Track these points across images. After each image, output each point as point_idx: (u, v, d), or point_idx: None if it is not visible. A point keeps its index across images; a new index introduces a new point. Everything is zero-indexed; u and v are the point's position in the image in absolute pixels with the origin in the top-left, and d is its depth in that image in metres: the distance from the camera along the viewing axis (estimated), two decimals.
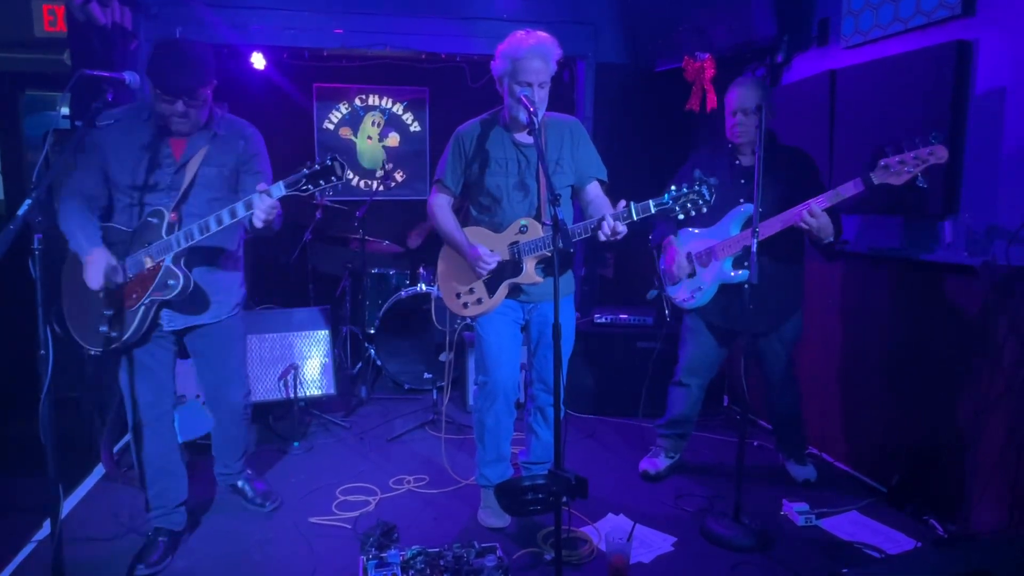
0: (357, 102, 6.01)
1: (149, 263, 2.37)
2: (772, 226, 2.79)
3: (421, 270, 4.86)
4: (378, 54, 4.77)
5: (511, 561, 2.58)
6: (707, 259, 3.04)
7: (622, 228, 2.42)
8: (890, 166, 2.54)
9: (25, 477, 3.12)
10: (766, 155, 2.83)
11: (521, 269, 2.70)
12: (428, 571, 2.40)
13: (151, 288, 2.38)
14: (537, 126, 2.37)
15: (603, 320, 4.29)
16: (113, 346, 2.42)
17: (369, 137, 6.07)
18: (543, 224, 2.67)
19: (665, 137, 4.71)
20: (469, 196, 2.85)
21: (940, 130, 2.69)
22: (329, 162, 2.22)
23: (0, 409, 3.91)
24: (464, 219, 2.85)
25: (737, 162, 3.06)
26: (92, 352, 2.44)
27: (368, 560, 2.48)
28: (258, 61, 4.97)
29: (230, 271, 2.66)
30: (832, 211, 2.75)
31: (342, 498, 3.14)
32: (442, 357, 4.10)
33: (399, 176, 6.12)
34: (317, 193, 2.26)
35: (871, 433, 3.32)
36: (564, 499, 2.21)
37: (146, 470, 2.62)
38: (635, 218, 2.42)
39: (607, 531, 2.60)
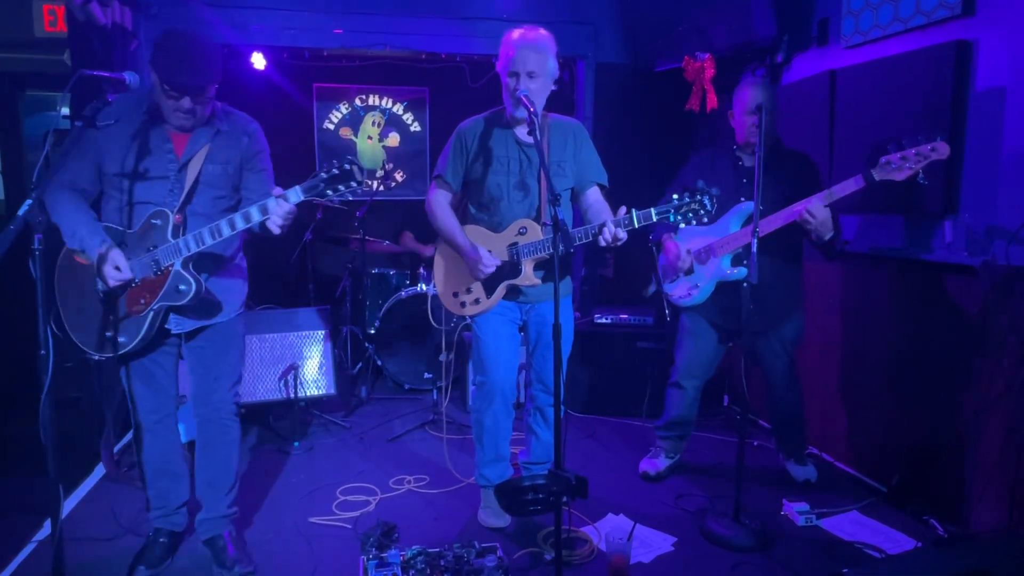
0: (357, 102, 6.01)
1: (156, 268, 2.27)
2: (773, 222, 2.79)
3: (421, 270, 4.86)
4: (378, 54, 4.77)
5: (511, 561, 2.58)
6: (705, 256, 3.04)
7: (623, 235, 2.42)
8: (892, 162, 2.54)
9: (25, 477, 3.12)
10: (770, 157, 2.83)
11: (520, 271, 2.70)
12: (428, 571, 2.40)
13: (160, 294, 2.28)
14: (537, 122, 2.37)
15: (603, 320, 4.29)
16: (119, 352, 2.33)
17: (369, 137, 6.07)
18: (543, 225, 2.67)
19: (665, 137, 4.71)
20: (468, 194, 2.85)
21: (940, 130, 2.70)
22: (348, 166, 2.17)
23: (0, 409, 3.91)
24: (462, 217, 2.84)
25: (740, 163, 3.06)
26: (96, 358, 2.36)
27: (368, 560, 2.48)
28: (258, 61, 4.98)
29: (235, 270, 2.58)
30: (831, 211, 2.75)
31: (342, 498, 3.14)
32: (441, 357, 4.10)
33: (399, 176, 6.12)
34: (335, 199, 2.22)
35: (871, 433, 3.32)
36: (564, 499, 2.21)
37: (147, 471, 2.56)
38: (636, 226, 2.42)
39: (607, 531, 2.60)
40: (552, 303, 2.20)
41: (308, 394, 4.06)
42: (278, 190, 2.20)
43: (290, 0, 4.31)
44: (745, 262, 2.96)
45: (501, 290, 2.74)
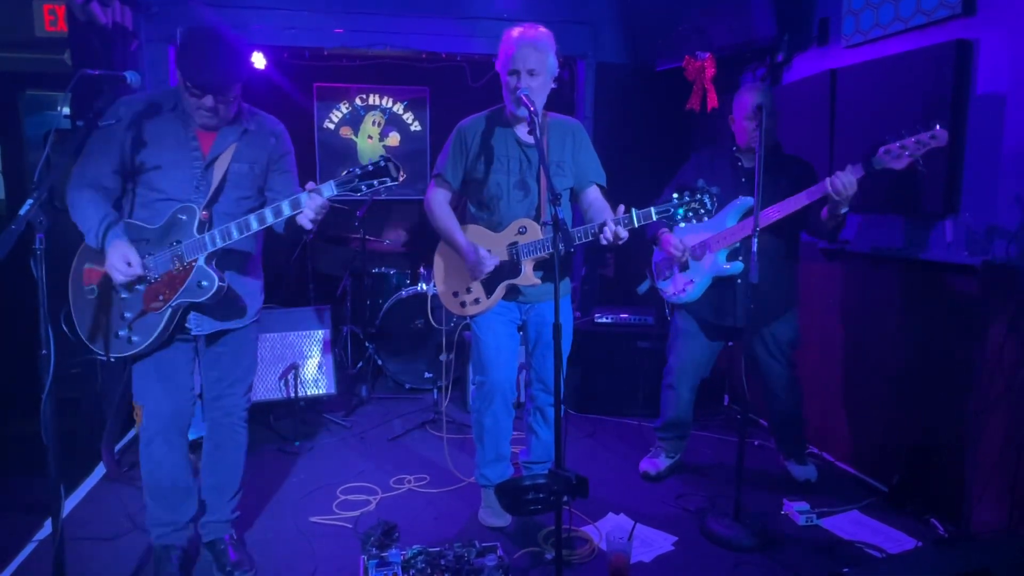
0: (358, 101, 6.01)
1: (179, 263, 2.22)
2: (771, 215, 2.77)
3: (422, 269, 4.86)
4: (378, 54, 4.77)
5: (512, 560, 2.58)
6: (701, 252, 3.04)
7: (624, 233, 2.41)
8: (891, 151, 2.53)
9: (26, 477, 3.13)
10: (770, 160, 2.83)
11: (520, 270, 2.69)
12: (429, 570, 2.40)
13: (181, 290, 2.22)
14: (538, 122, 2.37)
15: (604, 320, 4.29)
16: (132, 352, 2.26)
17: (369, 136, 6.07)
18: (543, 225, 2.67)
19: (665, 136, 4.71)
20: (468, 193, 2.84)
21: (945, 128, 2.69)
22: (383, 163, 2.14)
23: (1, 409, 3.92)
24: (461, 216, 2.84)
25: (740, 163, 3.06)
26: (109, 359, 2.29)
27: (369, 560, 2.48)
28: (258, 61, 4.97)
29: (255, 273, 2.53)
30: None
31: (343, 497, 3.14)
32: (442, 357, 4.10)
33: (400, 175, 6.11)
34: (369, 196, 2.18)
35: (872, 432, 3.32)
36: (565, 498, 2.21)
37: (155, 484, 2.41)
38: (636, 224, 2.42)
39: (608, 530, 2.60)
40: (551, 303, 2.20)
41: (309, 393, 4.06)
42: (311, 184, 2.17)
43: (290, 0, 4.31)
44: (741, 257, 2.97)
45: (501, 290, 2.74)
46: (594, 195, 2.77)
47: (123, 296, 2.25)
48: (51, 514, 1.98)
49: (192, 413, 2.48)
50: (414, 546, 2.53)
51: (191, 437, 2.57)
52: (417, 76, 5.90)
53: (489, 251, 2.70)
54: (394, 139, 6.10)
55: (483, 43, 4.51)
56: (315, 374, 4.10)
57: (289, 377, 3.93)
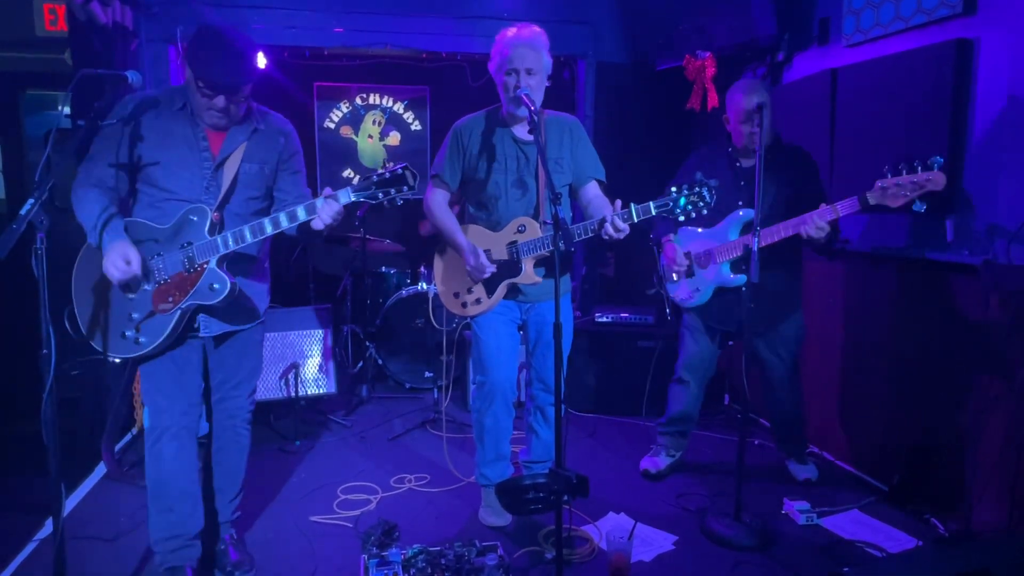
0: (358, 101, 6.01)
1: (190, 265, 2.20)
2: (773, 235, 2.79)
3: (422, 269, 4.86)
4: (379, 53, 4.77)
5: (512, 560, 2.58)
6: (706, 261, 3.05)
7: (623, 226, 2.40)
8: (887, 188, 2.53)
9: (27, 476, 3.13)
10: (770, 156, 2.83)
11: (520, 269, 2.69)
12: (429, 570, 2.40)
13: (192, 292, 2.19)
14: (537, 121, 2.37)
15: (604, 319, 4.29)
16: (139, 353, 2.23)
17: (370, 136, 6.07)
18: (542, 223, 2.67)
19: (665, 136, 4.71)
20: (466, 193, 2.84)
21: (941, 128, 2.70)
22: (400, 170, 2.14)
23: (2, 408, 3.92)
24: (460, 217, 2.84)
25: (738, 164, 3.06)
26: (114, 359, 2.26)
27: (369, 559, 2.48)
28: (259, 60, 4.97)
29: (263, 276, 2.53)
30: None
31: (343, 497, 3.14)
32: (442, 356, 4.10)
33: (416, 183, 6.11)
34: (385, 202, 2.18)
35: (872, 432, 3.32)
36: (565, 498, 2.21)
37: (160, 492, 2.33)
38: (635, 220, 2.41)
39: (608, 530, 2.60)
40: (552, 302, 2.20)
41: (309, 393, 4.06)
42: (328, 190, 2.16)
43: None
44: (745, 266, 2.97)
45: (502, 289, 2.74)
46: (593, 191, 2.76)
47: (131, 296, 2.23)
48: (52, 514, 1.98)
49: (200, 413, 2.46)
50: (414, 545, 2.53)
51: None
52: (417, 75, 5.91)
53: (489, 251, 2.70)
54: (394, 138, 6.10)
55: (483, 42, 4.51)
56: (316, 374, 4.10)
57: (290, 377, 3.93)
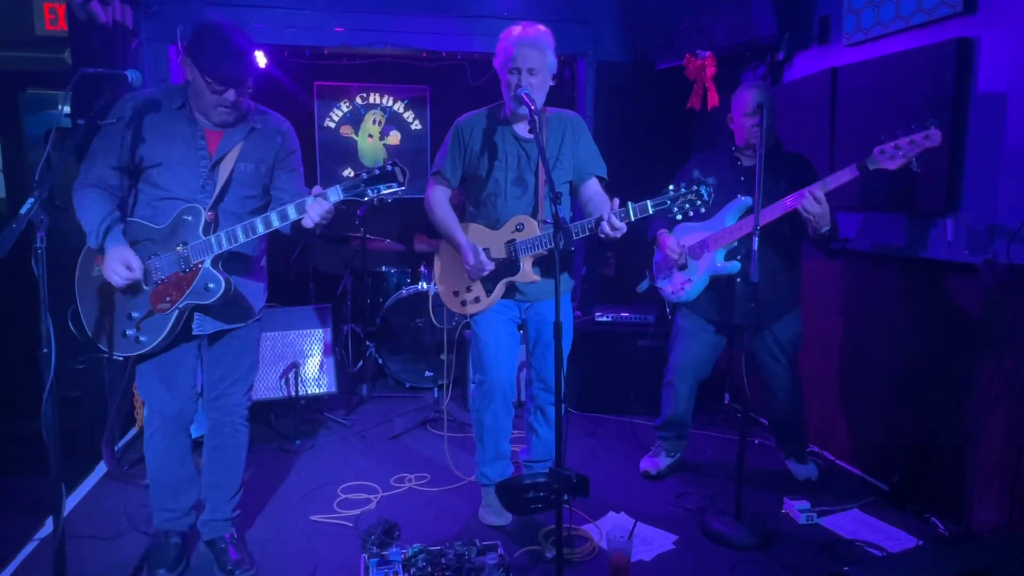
0: (358, 100, 6.01)
1: (185, 265, 2.23)
2: (767, 215, 2.77)
3: (422, 268, 4.86)
4: (379, 52, 4.76)
5: (512, 559, 2.58)
6: (699, 251, 3.04)
7: (620, 225, 2.39)
8: (885, 151, 2.53)
9: (28, 475, 3.13)
10: (770, 159, 2.83)
11: (518, 268, 2.69)
12: (429, 569, 2.40)
13: (188, 292, 2.23)
14: (537, 119, 2.36)
15: (604, 318, 4.29)
16: (139, 352, 2.28)
17: (370, 135, 6.07)
18: (541, 222, 2.67)
19: (666, 135, 4.71)
20: (466, 191, 2.85)
21: (941, 127, 2.69)
22: (390, 167, 2.15)
23: (2, 408, 3.92)
24: (460, 215, 2.84)
25: (739, 162, 3.06)
26: (117, 357, 2.31)
27: (369, 558, 2.48)
28: (259, 59, 4.97)
29: (259, 273, 2.55)
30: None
31: (343, 496, 3.14)
32: (442, 355, 4.11)
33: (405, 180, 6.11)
34: (375, 200, 2.19)
35: (872, 431, 3.32)
36: (565, 497, 2.21)
37: (157, 475, 2.48)
38: (632, 218, 2.40)
39: (608, 529, 2.60)
40: (551, 301, 2.20)
41: (309, 392, 4.06)
42: (318, 189, 2.18)
43: None
44: (739, 256, 2.97)
45: (501, 288, 2.74)
46: (594, 189, 2.76)
47: (130, 297, 2.26)
48: (52, 513, 1.98)
49: (195, 411, 2.50)
50: (415, 545, 2.53)
51: (194, 435, 2.62)
52: (417, 75, 5.90)
53: (488, 249, 2.70)
54: (395, 138, 6.10)
55: (483, 42, 4.51)
56: (316, 373, 4.10)
57: (290, 376, 3.93)
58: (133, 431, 3.79)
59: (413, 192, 6.05)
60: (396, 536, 2.68)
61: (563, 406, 2.25)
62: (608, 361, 4.21)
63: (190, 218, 2.24)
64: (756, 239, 2.60)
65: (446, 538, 2.67)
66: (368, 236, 4.75)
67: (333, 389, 4.16)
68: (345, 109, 6.00)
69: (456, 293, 2.84)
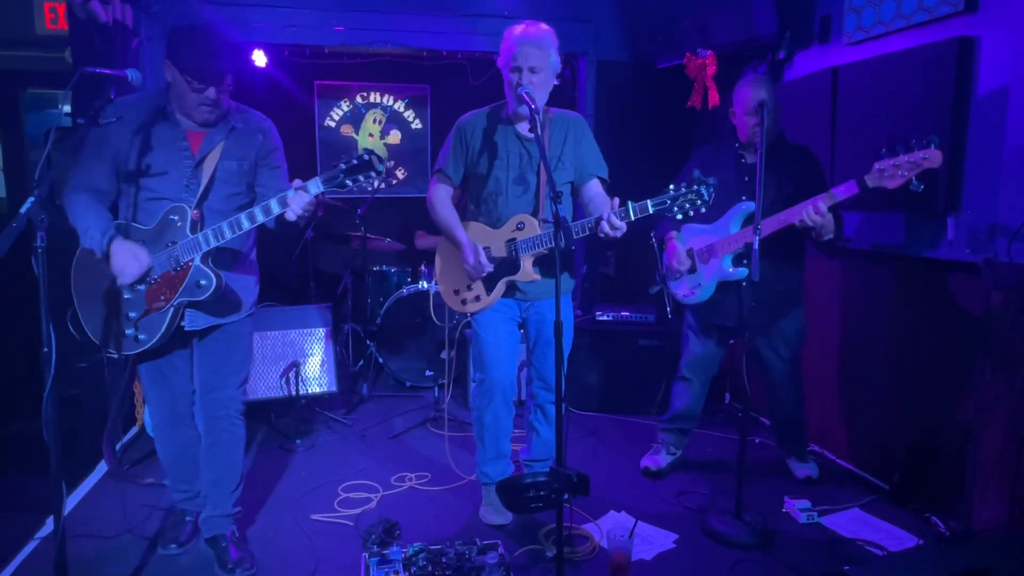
0: (358, 99, 6.01)
1: (176, 264, 2.28)
2: (770, 225, 2.78)
3: (423, 267, 4.86)
4: (379, 51, 4.77)
5: (513, 558, 2.58)
6: (707, 256, 3.04)
7: (620, 224, 2.39)
8: (885, 169, 2.53)
9: (28, 475, 3.13)
10: (773, 154, 2.83)
11: (519, 267, 2.69)
12: (430, 568, 2.40)
13: (181, 290, 2.28)
14: (538, 118, 2.36)
15: (605, 318, 4.29)
16: (140, 350, 2.34)
17: (370, 135, 6.07)
18: (542, 221, 2.67)
19: (666, 134, 4.71)
20: (467, 189, 2.85)
21: (942, 126, 2.69)
22: (367, 157, 2.19)
23: (3, 407, 3.92)
24: (462, 213, 2.84)
25: (742, 160, 3.05)
26: (115, 356, 2.37)
27: (370, 557, 2.48)
28: (259, 59, 4.97)
29: (250, 268, 2.59)
30: (833, 209, 2.74)
31: (344, 495, 3.14)
32: (443, 355, 4.10)
33: (400, 174, 6.12)
34: (355, 188, 2.24)
35: (873, 430, 3.32)
36: (565, 496, 2.21)
37: (167, 460, 2.62)
38: (632, 218, 2.40)
39: (609, 528, 2.60)
40: (552, 300, 2.19)
41: (310, 391, 4.06)
42: (298, 182, 2.22)
43: None
44: (746, 261, 2.97)
45: (501, 286, 2.74)
46: (595, 189, 2.76)
47: (126, 296, 2.32)
48: (53, 512, 1.98)
49: (193, 401, 2.59)
50: (415, 544, 2.53)
51: None
52: (418, 74, 5.90)
53: (488, 248, 2.70)
54: (395, 137, 6.10)
55: (484, 41, 4.51)
56: (316, 372, 4.10)
57: (290, 375, 3.93)
58: (134, 430, 3.79)
59: (413, 191, 6.08)
60: (397, 535, 2.69)
61: (563, 405, 2.24)
62: (609, 360, 4.21)
63: (176, 217, 2.29)
64: (757, 239, 2.60)
65: (447, 537, 2.67)
66: (368, 235, 4.75)
67: (333, 388, 4.16)
68: (345, 108, 5.99)
69: (457, 292, 2.84)
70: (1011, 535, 2.54)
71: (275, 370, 3.98)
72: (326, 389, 4.14)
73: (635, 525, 2.53)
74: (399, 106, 6.06)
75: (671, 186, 2.36)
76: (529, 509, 2.43)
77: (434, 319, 4.31)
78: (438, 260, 2.93)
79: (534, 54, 2.53)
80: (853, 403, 3.46)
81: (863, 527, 2.84)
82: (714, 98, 4.00)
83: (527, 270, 2.68)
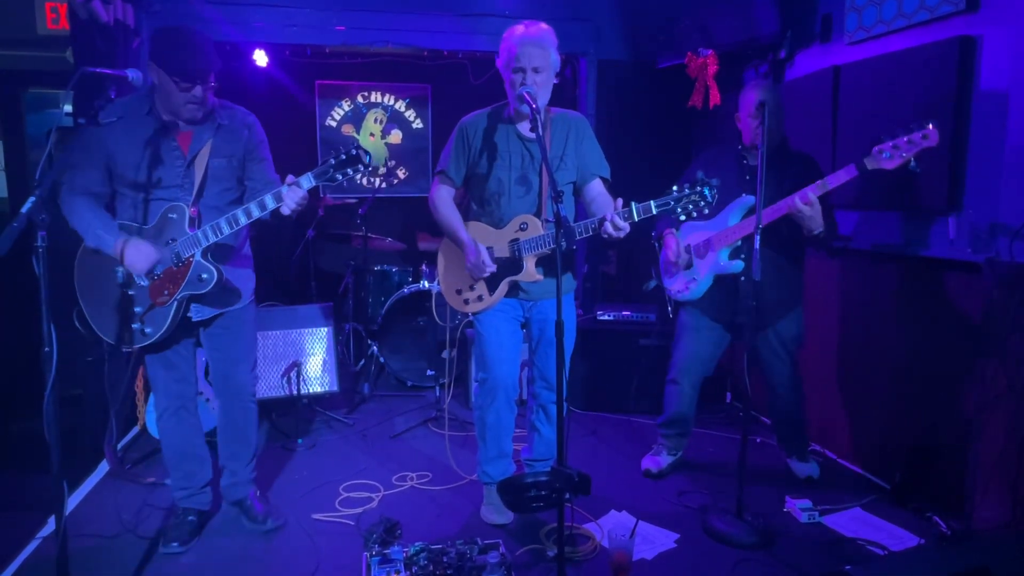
0: (359, 99, 6.01)
1: (177, 260, 2.40)
2: (768, 215, 2.77)
3: (424, 267, 4.86)
4: (380, 51, 4.77)
5: (514, 558, 2.58)
6: (704, 250, 3.04)
7: (623, 224, 2.40)
8: (883, 150, 2.54)
9: (30, 474, 3.14)
10: (776, 156, 2.83)
11: (521, 267, 2.69)
12: (431, 567, 2.40)
13: (183, 284, 2.41)
14: (539, 118, 2.36)
15: (606, 317, 4.29)
16: (147, 342, 2.46)
17: (371, 134, 6.07)
18: (544, 221, 2.67)
19: (667, 134, 4.71)
20: (470, 190, 2.85)
21: (943, 126, 2.68)
22: (354, 151, 2.29)
23: (4, 406, 3.92)
24: (464, 214, 2.85)
25: (745, 161, 3.05)
26: (124, 350, 2.52)
27: (371, 556, 2.49)
28: (260, 58, 4.97)
29: (244, 260, 2.71)
30: (825, 206, 2.74)
31: (345, 495, 3.14)
32: (444, 354, 4.11)
33: (401, 173, 6.13)
34: (344, 183, 2.34)
35: (874, 430, 3.32)
36: (567, 496, 2.21)
37: (170, 455, 2.70)
38: (636, 218, 2.40)
39: (610, 528, 2.60)
40: (554, 300, 2.19)
41: (311, 391, 4.06)
42: (291, 177, 2.33)
43: None
44: (743, 255, 2.97)
45: (504, 287, 2.74)
46: (597, 189, 2.76)
47: (131, 292, 2.43)
48: (54, 511, 1.98)
49: (195, 394, 2.74)
50: (416, 543, 2.53)
51: (205, 429, 2.83)
52: (419, 73, 5.90)
53: (491, 248, 2.70)
54: (396, 137, 6.10)
55: (485, 40, 4.51)
56: (317, 372, 4.10)
57: (291, 375, 3.93)
58: (135, 430, 3.79)
59: (414, 190, 6.08)
60: (398, 534, 2.68)
61: (565, 405, 2.24)
62: (610, 360, 4.21)
63: (175, 216, 2.40)
64: (758, 238, 2.60)
65: (448, 536, 2.67)
66: (370, 235, 4.75)
67: (335, 388, 4.16)
68: (346, 108, 6.00)
69: (459, 291, 2.84)
70: (1012, 534, 2.54)
71: (276, 369, 3.98)
72: (327, 388, 4.14)
73: (636, 525, 2.53)
74: (400, 106, 6.07)
75: (674, 187, 2.37)
76: (530, 508, 2.43)
77: (436, 318, 4.31)
78: (441, 260, 2.93)
79: (537, 54, 2.53)
80: (854, 402, 3.46)
81: (864, 526, 2.84)
82: (715, 98, 4.00)
83: (530, 270, 2.69)
